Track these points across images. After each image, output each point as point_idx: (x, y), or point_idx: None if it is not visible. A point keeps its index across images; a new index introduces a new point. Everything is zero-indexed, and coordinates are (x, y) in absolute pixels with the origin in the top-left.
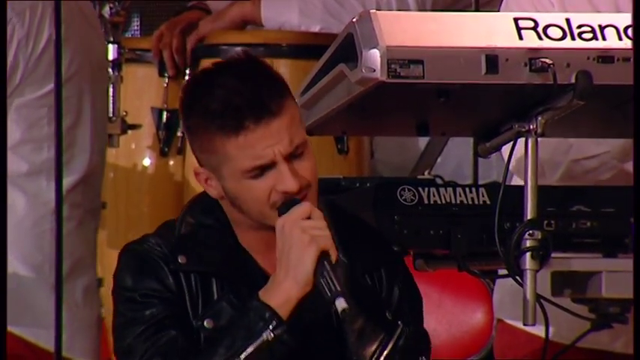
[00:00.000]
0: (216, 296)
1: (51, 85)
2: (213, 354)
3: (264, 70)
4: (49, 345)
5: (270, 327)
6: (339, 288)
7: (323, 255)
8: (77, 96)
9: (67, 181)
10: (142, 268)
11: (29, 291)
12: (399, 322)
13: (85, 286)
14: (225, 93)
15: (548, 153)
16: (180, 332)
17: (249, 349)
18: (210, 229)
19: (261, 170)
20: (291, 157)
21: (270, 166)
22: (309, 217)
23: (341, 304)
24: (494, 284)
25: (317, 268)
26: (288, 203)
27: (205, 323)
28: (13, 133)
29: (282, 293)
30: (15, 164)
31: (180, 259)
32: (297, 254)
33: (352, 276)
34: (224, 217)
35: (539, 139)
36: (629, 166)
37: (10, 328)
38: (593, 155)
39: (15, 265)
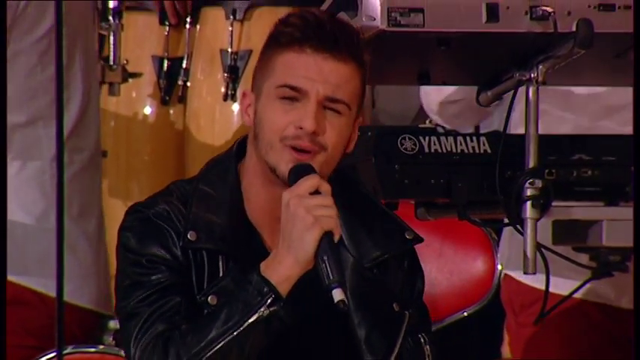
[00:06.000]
0: (221, 273)
1: (40, 32)
2: (211, 326)
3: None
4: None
5: (268, 302)
6: (337, 277)
7: (325, 236)
8: (68, 38)
9: (66, 127)
10: (148, 232)
11: (34, 240)
12: (406, 312)
13: (90, 233)
14: (310, 15)
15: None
16: (184, 300)
17: (245, 324)
18: (222, 200)
19: (293, 92)
20: (326, 104)
21: (302, 97)
22: (317, 191)
23: (337, 295)
24: (495, 233)
25: (318, 249)
26: (298, 168)
27: (209, 299)
28: (10, 82)
29: (283, 270)
30: (14, 116)
31: (190, 236)
32: (299, 234)
33: (358, 269)
34: (237, 185)
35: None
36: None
37: (17, 279)
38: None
39: (19, 215)
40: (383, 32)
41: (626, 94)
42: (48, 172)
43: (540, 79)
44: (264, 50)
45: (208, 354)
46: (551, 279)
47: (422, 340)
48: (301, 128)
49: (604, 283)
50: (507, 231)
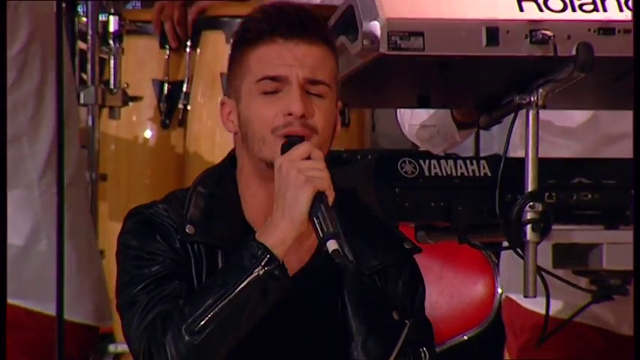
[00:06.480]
0: (220, 267)
1: (13, 53)
2: (208, 294)
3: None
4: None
5: (262, 263)
6: (331, 229)
7: (318, 195)
8: (40, 55)
9: (46, 144)
10: (148, 230)
11: (26, 261)
12: (406, 322)
13: (82, 247)
14: (271, 8)
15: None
16: (184, 288)
17: (241, 285)
18: (219, 201)
19: (274, 83)
20: (308, 88)
21: (283, 86)
22: (309, 158)
23: (331, 245)
24: (495, 256)
25: (312, 209)
26: (290, 142)
27: None
28: None
29: (278, 233)
30: None
31: (189, 230)
32: (292, 195)
33: (359, 277)
34: (234, 189)
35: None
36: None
37: (12, 301)
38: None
39: (10, 236)
40: (383, 56)
41: (627, 123)
42: (36, 190)
43: (540, 102)
44: (233, 54)
45: (205, 320)
46: (551, 302)
47: (422, 355)
48: (290, 114)
49: (604, 309)
50: (507, 253)
